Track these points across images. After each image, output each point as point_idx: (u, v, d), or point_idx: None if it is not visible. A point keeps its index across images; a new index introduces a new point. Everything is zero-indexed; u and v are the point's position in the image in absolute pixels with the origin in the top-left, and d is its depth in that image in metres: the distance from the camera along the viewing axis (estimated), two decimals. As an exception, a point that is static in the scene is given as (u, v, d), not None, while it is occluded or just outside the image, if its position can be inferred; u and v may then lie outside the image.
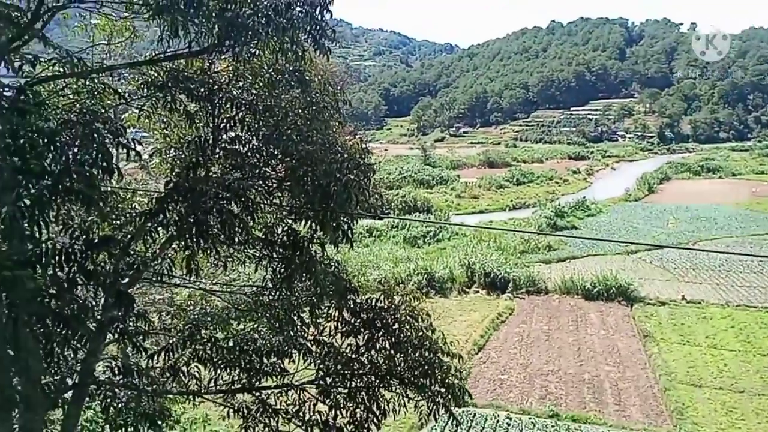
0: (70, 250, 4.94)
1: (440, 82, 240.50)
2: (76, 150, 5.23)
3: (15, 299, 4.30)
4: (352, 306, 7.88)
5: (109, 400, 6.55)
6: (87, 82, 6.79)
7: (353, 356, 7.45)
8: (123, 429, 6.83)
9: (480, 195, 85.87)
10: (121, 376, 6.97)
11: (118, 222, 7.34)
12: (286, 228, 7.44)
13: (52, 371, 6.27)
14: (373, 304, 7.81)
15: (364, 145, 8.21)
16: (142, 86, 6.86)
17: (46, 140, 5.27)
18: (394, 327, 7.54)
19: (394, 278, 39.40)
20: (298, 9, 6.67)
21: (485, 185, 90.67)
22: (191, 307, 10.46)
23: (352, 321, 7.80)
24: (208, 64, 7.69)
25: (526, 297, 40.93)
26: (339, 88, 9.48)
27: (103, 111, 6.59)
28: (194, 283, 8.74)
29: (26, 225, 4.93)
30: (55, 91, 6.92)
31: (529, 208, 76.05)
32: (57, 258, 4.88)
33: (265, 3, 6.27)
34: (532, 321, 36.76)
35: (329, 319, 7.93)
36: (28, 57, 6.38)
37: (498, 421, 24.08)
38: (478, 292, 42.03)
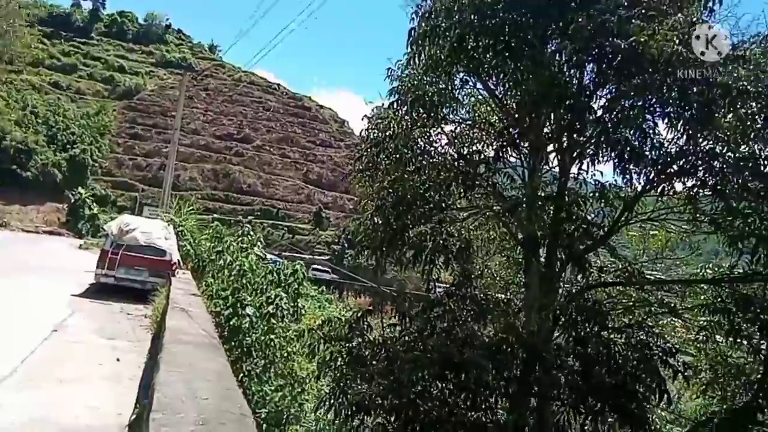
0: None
1: None
2: (632, 364, 5.26)
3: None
4: None
5: None
6: (641, 294, 6.98)
7: None
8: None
9: None
10: None
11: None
12: None
13: None
14: None
15: None
16: (697, 306, 6.50)
17: (604, 349, 5.55)
18: None
19: None
20: None
21: None
22: None
23: None
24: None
25: None
26: None
27: (653, 325, 6.54)
28: None
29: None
30: (610, 297, 7.38)
31: None
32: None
33: None
34: None
35: None
36: (594, 263, 7.12)
37: None
38: None
